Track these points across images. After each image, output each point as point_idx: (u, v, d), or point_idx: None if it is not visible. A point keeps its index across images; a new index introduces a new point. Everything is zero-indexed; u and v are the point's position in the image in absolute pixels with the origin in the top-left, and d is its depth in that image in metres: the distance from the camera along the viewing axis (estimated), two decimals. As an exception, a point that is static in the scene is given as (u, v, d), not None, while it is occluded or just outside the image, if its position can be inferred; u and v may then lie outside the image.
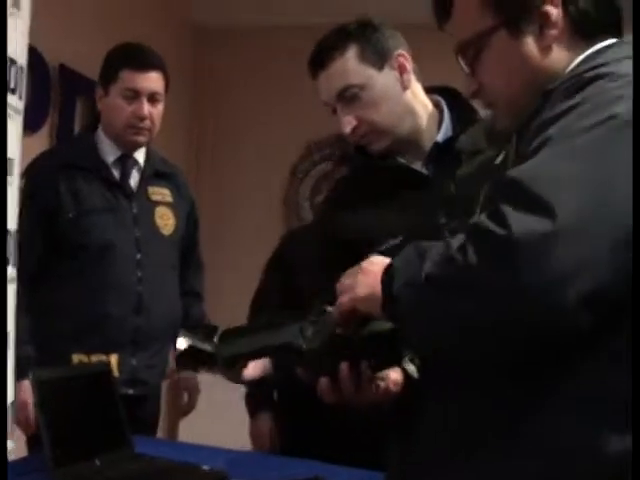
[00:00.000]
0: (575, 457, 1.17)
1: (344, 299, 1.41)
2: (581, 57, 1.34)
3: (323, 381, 1.48)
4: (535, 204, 1.12)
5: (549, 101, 1.28)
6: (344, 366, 1.46)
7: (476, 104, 1.82)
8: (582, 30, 1.36)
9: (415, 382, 1.52)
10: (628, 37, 1.35)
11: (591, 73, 1.26)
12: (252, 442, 2.85)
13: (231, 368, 1.61)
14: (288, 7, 5.05)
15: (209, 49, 5.49)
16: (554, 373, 1.19)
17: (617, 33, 1.38)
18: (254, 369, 1.85)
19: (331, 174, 4.96)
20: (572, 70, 1.33)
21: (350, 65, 1.91)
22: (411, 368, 1.52)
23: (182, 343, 1.60)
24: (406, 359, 1.53)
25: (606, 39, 1.36)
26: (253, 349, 1.55)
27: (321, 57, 1.94)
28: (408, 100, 1.95)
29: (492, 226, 1.14)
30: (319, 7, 4.95)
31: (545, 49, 1.35)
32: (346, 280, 1.42)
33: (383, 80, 1.92)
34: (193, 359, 1.62)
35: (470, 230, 1.19)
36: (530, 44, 1.35)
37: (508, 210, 1.13)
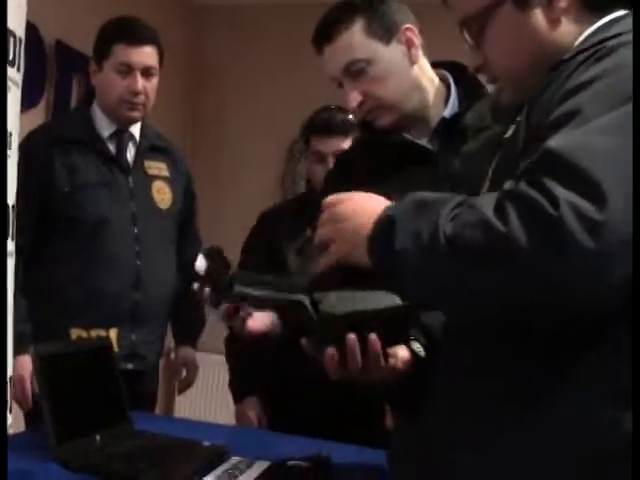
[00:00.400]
0: (593, 436, 1.15)
1: (329, 255, 1.36)
2: (591, 29, 1.32)
3: (330, 352, 1.44)
4: (582, 181, 1.07)
5: (565, 71, 1.25)
6: (352, 336, 1.43)
7: (482, 79, 1.79)
8: (591, 2, 1.34)
9: (422, 360, 1.50)
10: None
11: (613, 42, 1.23)
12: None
13: (238, 301, 1.59)
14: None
15: (205, 26, 5.47)
16: (577, 353, 1.17)
17: (626, 4, 1.35)
18: (259, 322, 1.85)
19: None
20: (584, 41, 1.30)
21: (356, 39, 1.88)
22: (417, 346, 1.51)
23: (202, 264, 1.57)
24: (411, 337, 1.51)
25: (615, 11, 1.33)
26: (267, 294, 1.51)
27: (327, 31, 1.91)
28: (415, 75, 1.92)
29: (540, 199, 1.08)
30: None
31: (553, 22, 1.33)
32: (324, 229, 1.37)
33: (390, 54, 1.90)
34: (210, 282, 1.59)
35: (510, 196, 1.12)
36: (538, 17, 1.33)
37: (553, 184, 1.08)
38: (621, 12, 1.34)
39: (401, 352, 1.51)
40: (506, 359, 1.22)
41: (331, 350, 1.44)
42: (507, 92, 1.44)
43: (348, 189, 1.93)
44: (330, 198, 1.39)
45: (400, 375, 1.51)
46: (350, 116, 2.67)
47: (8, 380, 2.23)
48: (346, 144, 2.65)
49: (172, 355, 3.18)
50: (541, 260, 1.08)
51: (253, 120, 5.30)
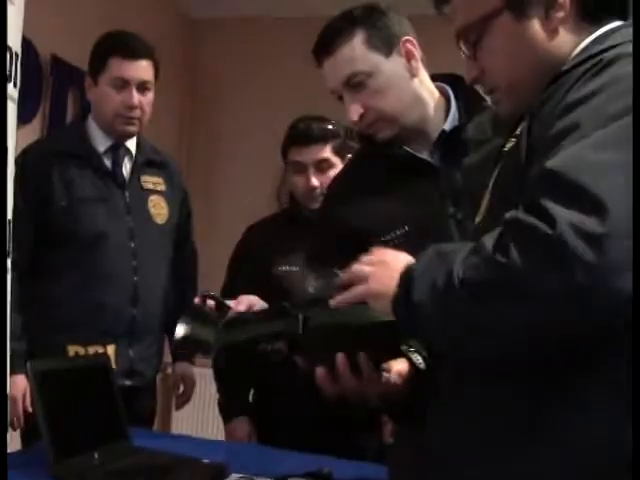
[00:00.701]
0: (605, 452, 1.14)
1: (358, 289, 1.37)
2: (589, 39, 1.31)
3: (320, 371, 1.45)
4: (581, 197, 1.07)
5: (564, 84, 1.24)
6: (340, 358, 1.44)
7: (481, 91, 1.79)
8: (588, 12, 1.33)
9: (422, 372, 1.49)
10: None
11: (610, 53, 1.22)
12: None
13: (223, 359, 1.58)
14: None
15: (201, 39, 5.46)
16: (584, 366, 1.16)
17: (623, 15, 1.35)
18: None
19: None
20: (582, 52, 1.29)
21: (357, 51, 1.86)
22: (417, 358, 1.49)
23: (180, 331, 1.57)
24: (411, 349, 1.50)
25: (612, 21, 1.33)
26: (247, 337, 1.51)
27: (327, 43, 1.88)
28: (416, 87, 1.91)
29: (537, 223, 1.09)
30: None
31: (551, 32, 1.33)
32: (362, 268, 1.38)
33: (391, 67, 1.88)
34: (190, 347, 1.59)
35: (508, 227, 1.13)
36: (536, 27, 1.33)
37: (551, 205, 1.08)
38: (618, 22, 1.33)
39: (399, 365, 1.50)
40: (514, 377, 1.21)
41: (321, 370, 1.45)
42: (504, 104, 1.43)
43: (349, 202, 1.93)
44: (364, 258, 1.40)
45: (399, 388, 1.49)
46: (329, 125, 2.69)
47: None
48: (325, 153, 2.65)
49: (169, 370, 3.16)
50: (546, 283, 1.08)
51: (249, 133, 5.29)
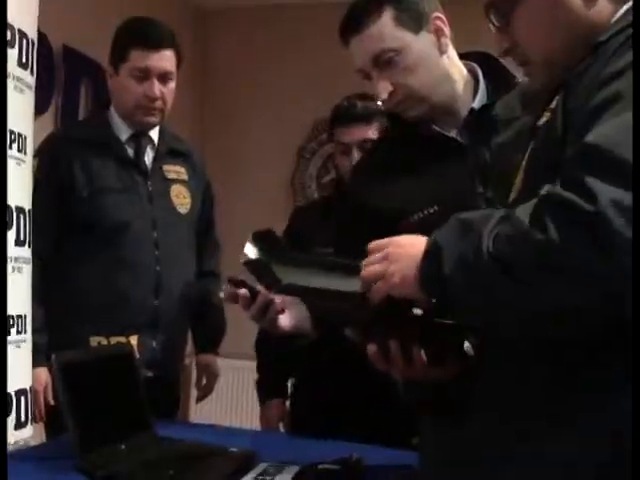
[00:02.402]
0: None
1: (378, 287, 1.33)
2: (627, 6, 1.27)
3: (372, 347, 1.41)
4: (622, 172, 1.04)
5: (603, 54, 1.20)
6: (393, 345, 1.40)
7: (509, 65, 1.75)
8: None
9: (472, 360, 1.45)
10: None
11: None
12: (262, 428, 2.82)
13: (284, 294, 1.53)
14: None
15: (213, 30, 5.45)
16: (622, 350, 1.13)
17: None
18: (290, 319, 1.81)
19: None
20: (620, 20, 1.25)
21: (386, 29, 1.84)
22: (467, 345, 1.46)
23: (251, 252, 1.50)
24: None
25: None
26: (313, 287, 1.45)
27: (355, 21, 1.86)
28: (445, 65, 1.89)
29: (576, 199, 1.05)
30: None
31: (589, 0, 1.28)
32: (375, 266, 1.34)
33: (420, 44, 1.86)
34: (259, 272, 1.52)
35: (546, 202, 1.10)
36: None
37: (591, 180, 1.05)
38: None
39: None
40: (552, 365, 1.19)
41: (372, 347, 1.41)
42: (537, 76, 1.39)
43: (378, 181, 1.90)
44: (373, 244, 1.37)
45: (449, 375, 1.46)
46: (374, 103, 2.61)
47: (28, 390, 2.19)
48: (370, 132, 2.58)
49: (187, 361, 3.14)
50: (585, 260, 1.05)
51: (262, 122, 5.27)
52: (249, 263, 1.49)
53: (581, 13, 1.29)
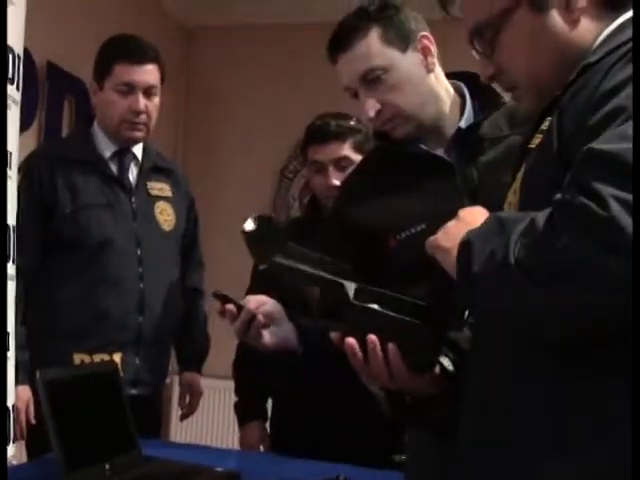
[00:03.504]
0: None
1: (432, 240, 1.33)
2: (612, 27, 1.27)
3: (351, 340, 1.42)
4: (629, 176, 1.03)
5: (596, 74, 1.20)
6: (372, 337, 1.41)
7: (497, 88, 1.76)
8: (609, 0, 1.29)
9: (451, 376, 1.45)
10: None
11: None
12: (242, 449, 2.80)
13: (276, 275, 1.53)
14: (274, 6, 5.01)
15: (197, 48, 5.44)
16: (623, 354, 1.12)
17: None
18: (275, 336, 1.81)
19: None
20: (607, 40, 1.25)
21: (373, 47, 1.84)
22: (447, 362, 1.46)
23: (250, 225, 1.51)
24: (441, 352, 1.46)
25: (630, 8, 1.28)
26: (306, 270, 1.47)
27: (342, 39, 1.86)
28: (432, 83, 1.89)
29: (588, 204, 1.05)
30: (305, 6, 4.92)
31: (572, 22, 1.29)
32: (450, 223, 1.34)
33: (407, 62, 1.86)
34: (254, 245, 1.53)
35: (559, 208, 1.09)
36: (556, 19, 1.28)
37: (599, 186, 1.04)
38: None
39: None
40: (547, 374, 1.17)
41: (350, 340, 1.42)
42: (527, 100, 1.39)
43: (365, 199, 1.90)
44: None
45: (429, 391, 1.46)
46: (347, 121, 2.62)
47: (10, 408, 2.17)
48: (344, 150, 2.58)
49: (167, 380, 3.12)
50: (598, 264, 1.04)
51: (244, 142, 5.25)
52: (246, 233, 1.50)
53: (565, 36, 1.29)
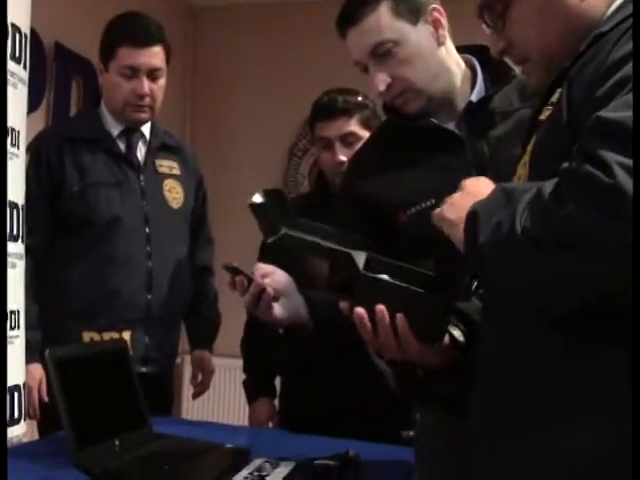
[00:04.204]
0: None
1: (437, 212, 1.34)
2: (619, 0, 1.27)
3: (360, 310, 1.42)
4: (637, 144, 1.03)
5: (606, 44, 1.20)
6: (380, 308, 1.41)
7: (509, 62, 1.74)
8: None
9: (462, 347, 1.45)
10: None
11: None
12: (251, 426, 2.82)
13: (284, 248, 1.52)
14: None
15: (203, 27, 5.42)
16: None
17: None
18: (285, 310, 1.81)
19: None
20: (618, 11, 1.25)
21: (384, 20, 1.81)
22: (457, 333, 1.46)
23: (259, 198, 1.51)
24: (452, 324, 1.46)
25: None
26: (316, 241, 1.46)
27: (352, 13, 1.83)
28: (443, 57, 1.87)
29: (593, 171, 1.05)
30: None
31: None
32: (456, 195, 1.34)
33: (418, 35, 1.83)
34: (262, 216, 1.52)
35: (565, 177, 1.09)
36: None
37: (605, 153, 1.04)
38: None
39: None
40: (556, 344, 1.17)
41: (360, 309, 1.42)
42: (536, 74, 1.38)
43: (375, 174, 1.89)
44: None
45: (439, 362, 1.46)
46: (354, 96, 2.60)
47: (21, 386, 2.18)
48: (351, 126, 2.57)
49: (178, 359, 3.13)
50: (605, 232, 1.04)
51: (252, 121, 5.24)
52: (254, 206, 1.49)
53: (575, 7, 1.28)
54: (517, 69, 1.52)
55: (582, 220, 1.05)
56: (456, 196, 1.33)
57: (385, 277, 1.43)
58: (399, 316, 1.41)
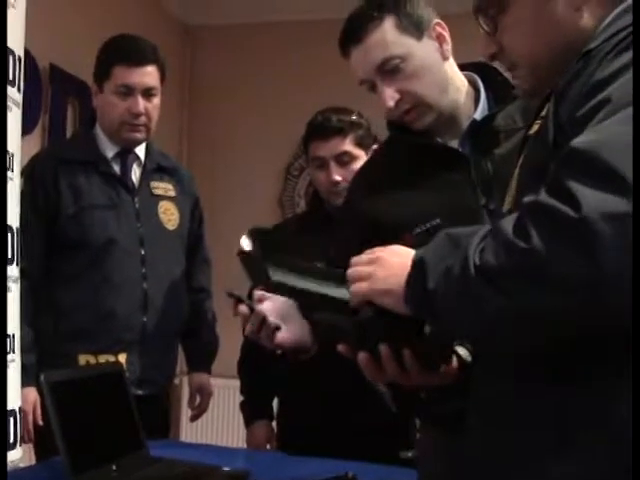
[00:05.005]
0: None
1: (360, 288, 1.31)
2: (612, 14, 1.26)
3: (362, 355, 1.39)
4: (606, 177, 1.01)
5: (592, 61, 1.19)
6: (384, 349, 1.38)
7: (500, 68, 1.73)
8: None
9: (469, 366, 1.43)
10: None
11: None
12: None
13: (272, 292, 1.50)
14: (277, 4, 5.00)
15: (199, 47, 5.43)
16: (616, 360, 1.11)
17: None
18: (288, 335, 1.78)
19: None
20: (606, 28, 1.24)
21: (389, 36, 1.81)
22: (464, 352, 1.44)
23: (246, 244, 1.49)
24: (457, 343, 1.45)
25: None
26: (302, 288, 1.44)
27: (356, 31, 1.83)
28: (448, 72, 1.87)
29: (559, 205, 1.03)
30: (305, 4, 4.91)
31: (575, 8, 1.28)
32: (363, 267, 1.32)
33: (423, 50, 1.83)
34: (249, 265, 1.51)
35: (529, 210, 1.07)
36: (559, 3, 1.28)
37: (574, 185, 1.02)
38: None
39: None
40: (546, 372, 1.16)
41: (363, 354, 1.40)
42: (523, 81, 1.38)
43: (379, 192, 1.88)
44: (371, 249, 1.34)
45: (447, 382, 1.44)
46: (348, 116, 2.59)
47: (17, 410, 2.16)
48: (345, 145, 2.56)
49: (177, 380, 3.11)
50: (571, 268, 1.02)
51: (248, 141, 5.24)
52: (243, 255, 1.48)
53: (567, 22, 1.28)
54: (507, 75, 1.52)
55: (548, 253, 1.03)
56: (371, 268, 1.30)
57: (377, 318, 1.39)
58: (406, 352, 1.38)
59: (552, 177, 1.08)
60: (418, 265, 1.20)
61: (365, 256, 1.33)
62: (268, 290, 1.49)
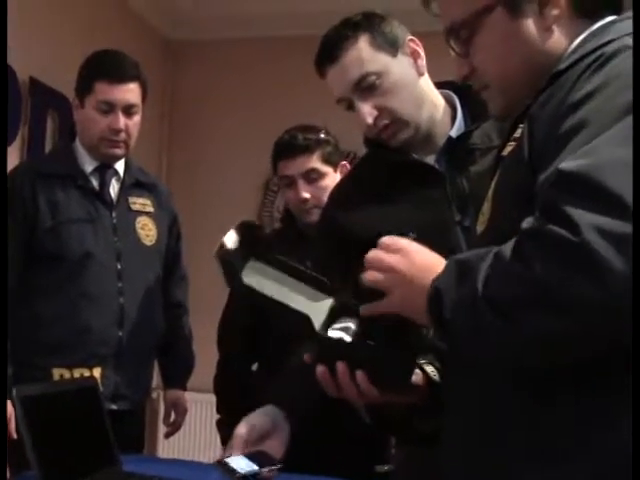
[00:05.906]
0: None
1: (376, 306, 1.32)
2: (583, 36, 1.29)
3: (320, 369, 1.42)
4: (602, 197, 1.03)
5: (565, 82, 1.21)
6: (341, 367, 1.41)
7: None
8: (583, 8, 1.31)
9: (437, 385, 1.44)
10: (629, 13, 1.29)
11: (610, 47, 1.19)
12: None
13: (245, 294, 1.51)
14: (256, 20, 5.02)
15: (181, 63, 5.43)
16: (615, 381, 1.12)
17: (615, 10, 1.32)
18: (280, 446, 1.79)
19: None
20: (577, 49, 1.26)
21: (365, 54, 1.83)
22: (432, 370, 1.45)
23: (230, 242, 1.50)
24: (425, 362, 1.45)
25: (605, 16, 1.31)
26: (272, 298, 1.46)
27: (332, 50, 1.85)
28: (424, 87, 1.89)
29: (558, 230, 1.04)
30: (288, 20, 4.93)
31: (545, 30, 1.30)
32: (379, 278, 1.31)
33: (399, 66, 1.85)
34: (226, 259, 1.51)
35: (527, 236, 1.09)
36: (530, 25, 1.30)
37: (571, 209, 1.04)
38: (612, 17, 1.31)
39: (414, 377, 1.45)
40: (532, 402, 1.17)
41: (321, 368, 1.42)
42: (495, 102, 1.40)
43: (354, 208, 1.89)
44: (387, 240, 1.35)
45: (414, 400, 1.45)
46: (314, 133, 2.60)
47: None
48: (312, 162, 2.57)
49: (154, 395, 3.10)
50: (575, 293, 1.03)
51: (228, 156, 5.24)
52: (220, 252, 1.49)
53: (537, 42, 1.30)
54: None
55: (551, 279, 1.04)
56: (400, 268, 1.30)
57: (343, 335, 1.41)
58: (359, 373, 1.40)
59: (545, 201, 1.09)
60: (434, 294, 1.20)
61: (382, 262, 1.32)
62: (237, 290, 1.50)
